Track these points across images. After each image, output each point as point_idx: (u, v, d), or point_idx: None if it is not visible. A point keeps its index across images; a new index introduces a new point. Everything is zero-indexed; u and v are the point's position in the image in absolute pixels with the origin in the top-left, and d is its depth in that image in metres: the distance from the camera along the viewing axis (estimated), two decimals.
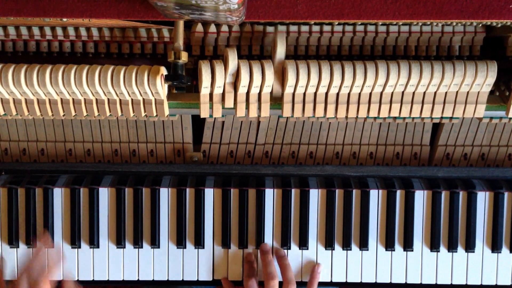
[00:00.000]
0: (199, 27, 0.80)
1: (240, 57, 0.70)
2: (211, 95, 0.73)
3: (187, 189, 0.92)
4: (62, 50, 0.82)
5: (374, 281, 0.92)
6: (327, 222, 0.92)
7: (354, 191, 0.92)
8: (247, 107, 0.74)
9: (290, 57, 0.82)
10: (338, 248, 0.92)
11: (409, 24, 0.80)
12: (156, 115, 0.75)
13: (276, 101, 0.74)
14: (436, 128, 0.94)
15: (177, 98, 0.77)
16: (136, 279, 0.92)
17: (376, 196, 0.92)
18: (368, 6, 0.63)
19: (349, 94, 0.73)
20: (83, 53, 0.82)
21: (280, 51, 0.71)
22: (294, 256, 0.92)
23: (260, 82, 0.70)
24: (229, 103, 0.72)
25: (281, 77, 0.72)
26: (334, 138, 0.93)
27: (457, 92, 0.73)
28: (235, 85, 0.71)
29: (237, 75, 0.70)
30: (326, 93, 0.72)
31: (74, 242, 0.91)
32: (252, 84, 0.70)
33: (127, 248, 0.92)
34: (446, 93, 0.73)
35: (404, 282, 0.92)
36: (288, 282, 0.88)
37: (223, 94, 0.72)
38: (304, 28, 0.80)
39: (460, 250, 0.92)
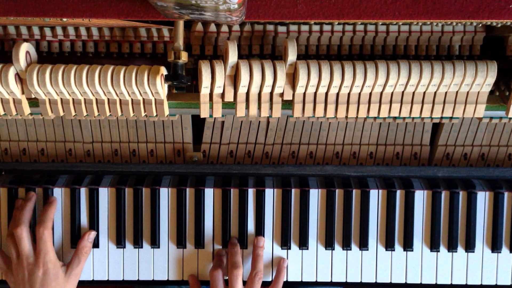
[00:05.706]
0: (199, 27, 0.80)
1: (240, 57, 0.70)
2: (211, 95, 0.73)
3: (187, 189, 0.92)
4: (62, 50, 0.82)
5: (374, 281, 0.92)
6: (327, 222, 0.92)
7: (354, 191, 0.92)
8: (247, 107, 0.74)
9: None
10: (338, 248, 0.92)
11: (409, 23, 0.80)
12: (156, 115, 0.75)
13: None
14: (436, 128, 0.94)
15: (177, 98, 0.77)
16: (136, 279, 0.92)
17: (376, 196, 0.92)
18: (368, 6, 0.63)
19: (349, 94, 0.73)
20: (83, 53, 0.82)
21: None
22: (294, 256, 0.92)
23: (260, 82, 0.70)
24: (229, 97, 0.72)
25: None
26: (334, 138, 0.93)
27: (457, 92, 0.73)
28: (235, 84, 0.71)
29: (237, 74, 0.70)
30: (326, 93, 0.72)
31: (74, 242, 0.91)
32: (252, 84, 0.70)
33: (127, 248, 0.92)
34: (446, 93, 0.73)
35: (404, 282, 0.92)
36: (256, 273, 0.88)
37: (223, 89, 0.72)
38: (304, 28, 0.81)
39: (460, 250, 0.92)
